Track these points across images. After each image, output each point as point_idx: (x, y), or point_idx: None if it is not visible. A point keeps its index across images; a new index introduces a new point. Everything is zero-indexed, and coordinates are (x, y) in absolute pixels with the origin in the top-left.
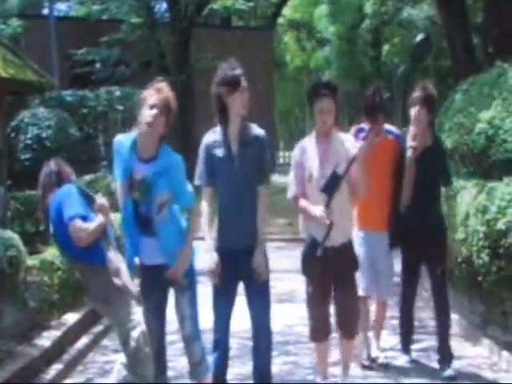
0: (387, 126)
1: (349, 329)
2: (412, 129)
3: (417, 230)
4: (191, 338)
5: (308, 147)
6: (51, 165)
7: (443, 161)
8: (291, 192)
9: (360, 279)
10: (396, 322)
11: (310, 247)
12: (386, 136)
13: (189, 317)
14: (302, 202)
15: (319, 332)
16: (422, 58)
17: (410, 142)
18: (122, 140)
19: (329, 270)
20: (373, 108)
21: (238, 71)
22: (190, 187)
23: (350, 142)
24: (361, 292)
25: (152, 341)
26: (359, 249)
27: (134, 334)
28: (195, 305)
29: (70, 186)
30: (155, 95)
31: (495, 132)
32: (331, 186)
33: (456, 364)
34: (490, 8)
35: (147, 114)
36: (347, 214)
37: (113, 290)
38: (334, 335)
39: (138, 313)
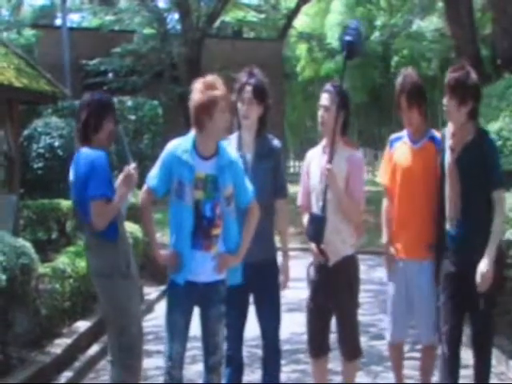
0: (434, 132)
1: (348, 348)
2: (449, 125)
3: (459, 267)
4: (213, 368)
5: (314, 157)
6: (85, 108)
7: (488, 158)
8: (298, 200)
9: (387, 321)
10: None
11: (311, 264)
12: (426, 143)
13: (217, 335)
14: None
15: (314, 347)
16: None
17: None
18: (180, 143)
19: (323, 288)
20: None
21: (247, 79)
22: (249, 184)
23: (350, 160)
24: (388, 337)
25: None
26: (390, 282)
27: (133, 329)
28: (223, 322)
29: (102, 156)
30: (204, 94)
31: (503, 143)
32: (316, 231)
33: (462, 373)
34: (499, 20)
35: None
36: (344, 234)
37: (118, 273)
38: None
39: (137, 305)
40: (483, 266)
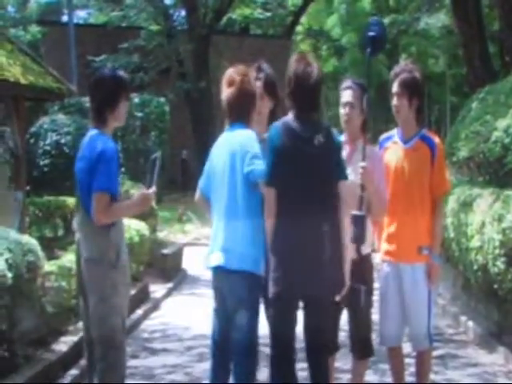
0: (425, 132)
1: (360, 347)
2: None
3: None
4: None
5: None
6: (102, 86)
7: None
8: None
9: (381, 325)
10: None
11: None
12: (417, 143)
13: None
14: None
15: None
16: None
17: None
18: None
19: None
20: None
21: (257, 74)
22: None
23: (371, 157)
24: (382, 341)
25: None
26: (382, 284)
27: (114, 320)
28: None
29: (114, 148)
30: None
31: (511, 140)
32: (360, 231)
33: (472, 371)
34: (506, 16)
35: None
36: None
37: (106, 261)
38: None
39: (122, 297)
40: None
